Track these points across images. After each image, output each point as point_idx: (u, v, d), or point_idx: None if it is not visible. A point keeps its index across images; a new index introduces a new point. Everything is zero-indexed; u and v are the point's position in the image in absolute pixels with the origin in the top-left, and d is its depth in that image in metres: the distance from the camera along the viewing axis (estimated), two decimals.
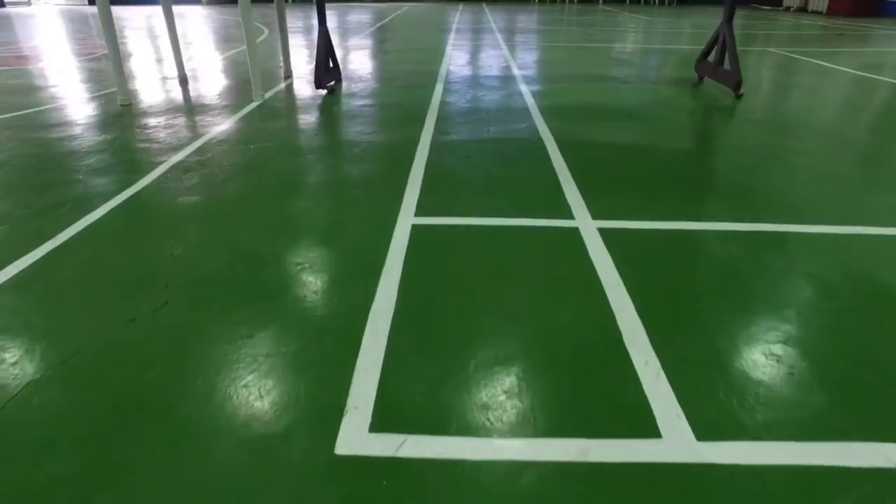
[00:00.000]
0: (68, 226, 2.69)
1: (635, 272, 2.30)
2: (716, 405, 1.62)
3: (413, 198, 3.04)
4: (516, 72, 6.96)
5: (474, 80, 6.41)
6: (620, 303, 2.09)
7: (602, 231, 2.66)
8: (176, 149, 3.93)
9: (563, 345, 1.87)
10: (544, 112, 4.94)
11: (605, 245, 2.52)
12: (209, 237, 2.60)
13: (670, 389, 1.69)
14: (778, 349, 1.85)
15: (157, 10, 19.32)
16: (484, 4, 23.19)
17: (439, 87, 5.97)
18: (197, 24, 13.70)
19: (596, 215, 2.83)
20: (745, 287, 2.20)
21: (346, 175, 3.41)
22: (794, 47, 9.57)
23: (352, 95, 5.65)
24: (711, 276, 2.29)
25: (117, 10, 18.77)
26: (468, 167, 3.53)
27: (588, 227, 2.70)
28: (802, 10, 20.53)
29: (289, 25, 13.12)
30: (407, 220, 2.77)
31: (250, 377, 1.70)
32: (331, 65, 6.04)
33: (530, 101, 5.38)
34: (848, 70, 7.30)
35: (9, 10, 19.35)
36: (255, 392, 1.65)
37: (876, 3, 18.04)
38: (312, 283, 2.22)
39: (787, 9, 21.10)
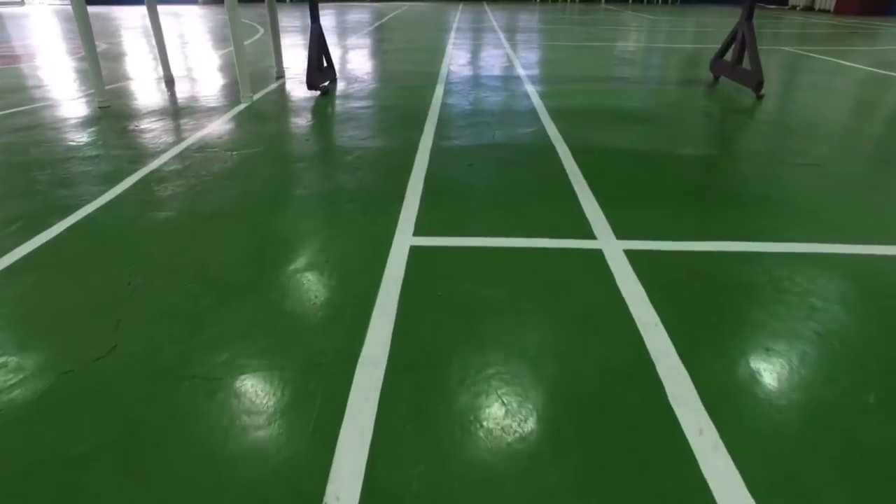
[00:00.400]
0: (12, 249, 2.34)
1: (674, 307, 1.94)
2: (794, 488, 1.26)
3: (411, 213, 2.68)
4: (521, 72, 6.60)
5: (477, 81, 6.06)
6: (660, 348, 1.74)
7: (629, 253, 2.31)
8: (152, 155, 3.58)
9: (593, 407, 1.51)
10: (553, 114, 4.59)
11: (634, 271, 2.17)
12: (176, 262, 2.25)
13: (733, 468, 1.33)
14: (870, 421, 1.50)
15: (164, 10, 18.96)
16: (485, 4, 22.85)
17: (440, 88, 5.62)
18: (192, 24, 13.36)
19: (620, 234, 2.48)
20: (803, 326, 1.85)
21: (336, 186, 3.06)
22: (807, 45, 9.22)
23: (347, 97, 5.30)
24: (763, 313, 1.93)
25: (114, 10, 18.44)
26: (473, 177, 3.18)
27: (613, 249, 2.35)
28: (809, 8, 20.18)
29: (286, 25, 12.79)
30: (404, 240, 2.42)
31: (203, 454, 1.35)
32: (324, 64, 5.69)
33: (537, 102, 5.03)
34: (868, 68, 6.95)
35: (1, 10, 19.00)
36: (211, 475, 1.29)
37: (884, 2, 17.70)
38: (291, 322, 1.87)
39: (794, 8, 20.74)
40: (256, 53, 8.16)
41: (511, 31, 11.54)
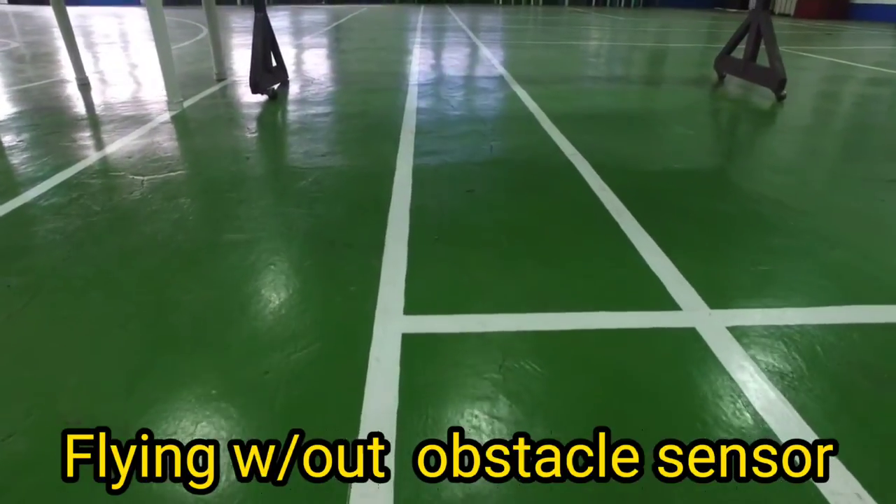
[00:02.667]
0: None
1: (857, 442, 1.12)
2: None
3: (397, 275, 1.79)
4: (503, 71, 5.79)
5: (455, 81, 5.20)
6: None
7: (737, 333, 1.49)
8: (29, 183, 2.58)
9: None
10: (556, 120, 3.77)
11: (758, 368, 1.34)
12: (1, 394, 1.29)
13: None
14: None
15: (105, 11, 17.45)
16: (447, 6, 22.12)
17: (412, 91, 4.74)
18: (133, 24, 12.07)
19: (713, 297, 1.66)
20: None
21: (284, 229, 2.13)
22: (796, 46, 8.75)
23: (301, 102, 4.35)
24: None
25: (46, 10, 16.83)
26: (476, 210, 2.31)
27: (711, 327, 1.52)
28: (769, 12, 20.21)
29: (237, 25, 11.67)
30: (391, 325, 1.53)
31: None
32: (273, 63, 4.73)
33: (532, 105, 4.20)
34: (873, 67, 6.43)
35: None
36: None
37: (843, 6, 17.84)
38: None
39: None
40: (198, 54, 7.10)
41: (481, 31, 10.76)
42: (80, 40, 8.46)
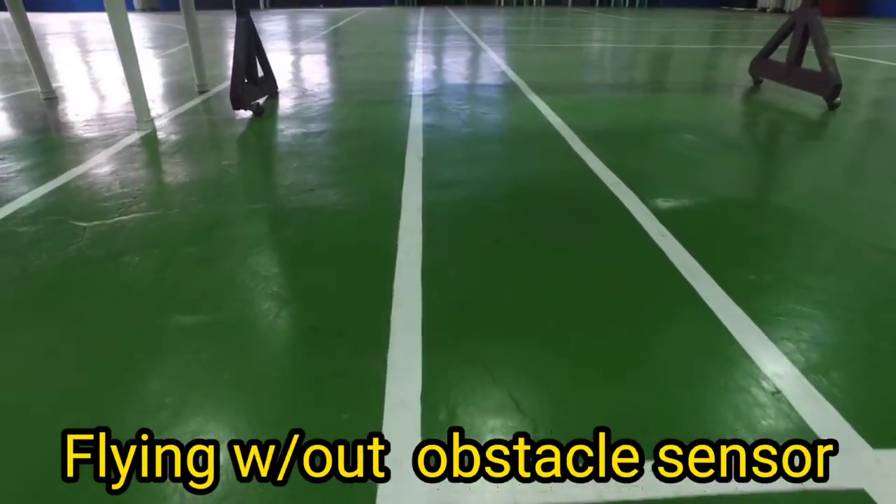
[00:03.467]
0: None
1: None
2: None
3: (409, 391, 1.25)
4: (514, 78, 5.25)
5: (464, 91, 4.67)
6: None
7: None
8: None
9: None
10: (586, 138, 3.23)
11: None
12: None
13: None
14: None
15: (90, 17, 16.95)
16: (447, 8, 21.61)
17: (417, 103, 4.21)
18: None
19: (869, 428, 1.12)
20: None
21: (250, 309, 1.60)
22: None
23: (290, 118, 3.82)
24: None
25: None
26: (508, 273, 1.77)
27: (890, 489, 0.98)
28: (779, 10, 19.69)
29: (232, 30, 11.15)
30: (404, 499, 0.98)
31: None
32: (260, 74, 4.20)
33: (555, 120, 3.67)
34: None
35: None
36: None
37: (859, 2, 17.31)
38: None
39: (763, 10, 20.25)
40: (186, 62, 6.58)
41: (485, 34, 10.23)
42: (62, 48, 7.96)
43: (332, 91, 4.74)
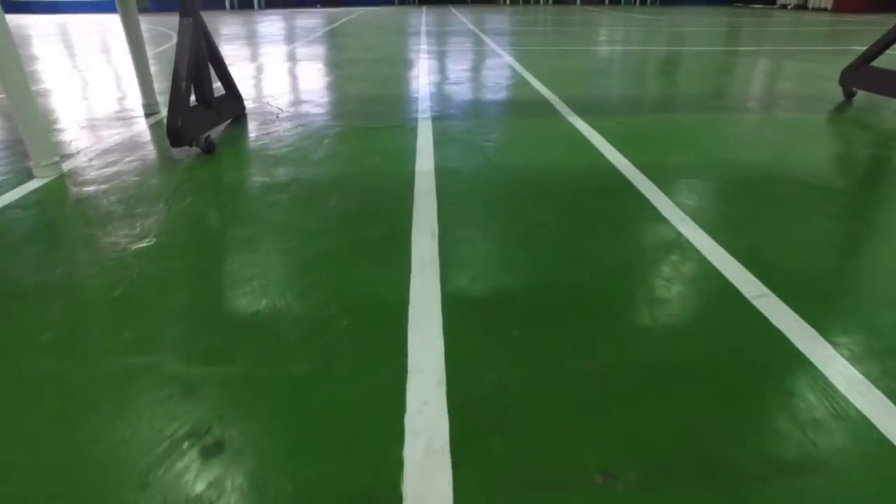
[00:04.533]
0: None
1: None
2: None
3: None
4: (543, 91, 4.23)
5: (484, 111, 3.65)
6: None
7: None
8: None
9: None
10: (673, 191, 2.21)
11: None
12: None
13: None
14: None
15: (83, 18, 15.98)
16: (450, 6, 20.57)
17: (425, 130, 3.19)
18: (107, 33, 10.55)
19: None
20: None
21: None
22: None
23: (253, 157, 2.80)
24: None
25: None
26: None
27: None
28: (802, 7, 18.63)
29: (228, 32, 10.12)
30: None
31: None
32: (210, 94, 3.17)
33: (618, 158, 2.64)
34: None
35: None
36: None
37: None
38: None
39: (784, 6, 19.19)
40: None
41: (497, 35, 9.19)
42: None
43: (317, 111, 3.72)
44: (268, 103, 3.99)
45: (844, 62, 4.24)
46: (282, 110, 3.73)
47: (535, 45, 7.65)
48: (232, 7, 21.15)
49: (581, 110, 3.61)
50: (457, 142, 2.95)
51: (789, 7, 18.86)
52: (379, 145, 2.91)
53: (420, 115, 3.55)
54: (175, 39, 7.05)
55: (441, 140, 2.97)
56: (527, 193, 2.24)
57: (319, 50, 7.25)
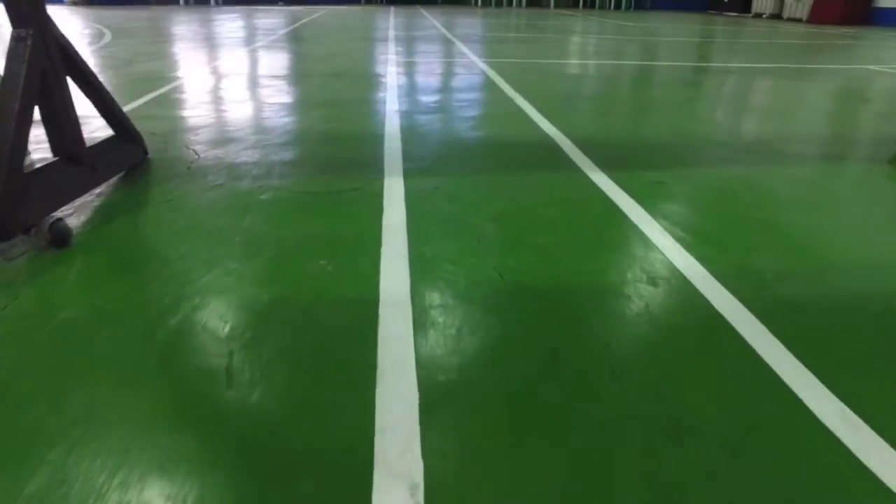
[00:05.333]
0: None
1: None
2: None
3: None
4: (549, 128, 3.33)
5: (476, 161, 2.72)
6: None
7: None
8: None
9: None
10: (770, 320, 1.32)
11: None
12: None
13: None
14: None
15: None
16: (419, 7, 19.59)
17: (394, 195, 2.25)
18: None
19: None
20: None
21: None
22: (857, 58, 6.52)
23: (132, 257, 1.80)
24: None
25: None
26: None
27: None
28: (776, 17, 18.38)
29: (182, 31, 8.91)
30: None
31: None
32: (84, 142, 2.15)
33: (682, 259, 1.75)
34: None
35: None
36: None
37: (864, 10, 16.07)
38: None
39: (759, 16, 18.93)
40: None
41: (474, 43, 8.28)
42: None
43: (247, 157, 2.72)
44: (185, 141, 2.97)
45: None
46: (197, 156, 2.72)
47: (520, 56, 6.77)
48: (186, 2, 19.69)
49: (601, 160, 2.72)
50: (442, 224, 2.01)
51: (764, 16, 18.61)
52: (326, 229, 1.94)
53: (387, 167, 2.60)
54: (109, 36, 5.94)
55: (418, 220, 2.03)
56: (543, 297, 1.32)
57: (268, 60, 6.19)
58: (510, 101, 4.10)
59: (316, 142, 3.01)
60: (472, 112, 3.78)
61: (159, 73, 4.93)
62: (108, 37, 8.03)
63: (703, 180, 2.51)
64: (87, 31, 8.80)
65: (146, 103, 3.80)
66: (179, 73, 4.98)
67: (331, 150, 2.87)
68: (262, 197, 2.21)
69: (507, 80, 4.92)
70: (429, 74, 5.30)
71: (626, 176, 2.50)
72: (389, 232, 1.91)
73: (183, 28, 9.85)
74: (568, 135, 3.17)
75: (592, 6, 22.17)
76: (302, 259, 1.73)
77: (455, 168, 2.61)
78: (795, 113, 3.98)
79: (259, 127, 3.28)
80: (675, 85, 5.03)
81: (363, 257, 1.73)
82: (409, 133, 3.18)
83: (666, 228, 1.97)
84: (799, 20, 17.17)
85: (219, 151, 2.78)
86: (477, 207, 2.14)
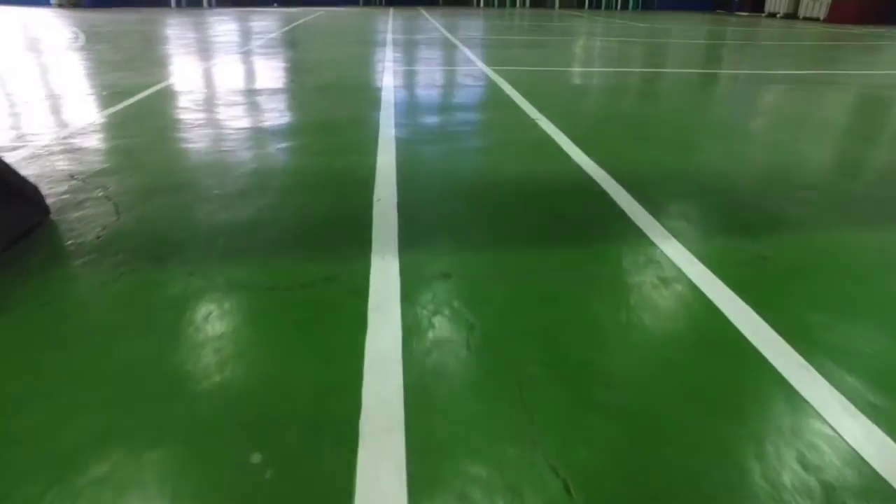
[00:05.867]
0: None
1: None
2: None
3: None
4: (589, 164, 2.59)
5: (503, 227, 1.99)
6: None
7: None
8: None
9: None
10: None
11: None
12: None
13: None
14: None
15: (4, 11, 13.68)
16: (420, 8, 18.86)
17: (385, 280, 1.51)
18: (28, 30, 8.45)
19: None
20: None
21: None
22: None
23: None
24: None
25: None
26: None
27: None
28: (791, 16, 17.63)
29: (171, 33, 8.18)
30: None
31: None
32: None
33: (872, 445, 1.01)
34: None
35: None
36: None
37: (884, 8, 15.32)
38: None
39: (772, 15, 18.18)
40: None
41: (480, 47, 7.54)
42: None
43: (173, 222, 1.99)
44: (110, 189, 2.23)
45: None
46: (118, 215, 1.98)
47: (533, 63, 6.03)
48: (178, 4, 18.94)
49: (666, 214, 1.99)
50: (462, 363, 1.27)
51: (779, 16, 17.86)
52: (272, 381, 1.21)
53: (377, 233, 1.86)
54: (82, 40, 5.28)
55: (423, 354, 1.29)
56: None
57: (247, 69, 5.46)
58: (532, 123, 3.36)
59: (284, 190, 2.27)
60: (488, 140, 3.04)
61: (118, 88, 4.20)
62: (80, 41, 7.31)
63: (795, 244, 1.77)
64: (62, 36, 8.06)
65: (83, 128, 3.08)
66: (142, 87, 4.25)
67: (303, 202, 2.14)
68: (188, 302, 1.47)
69: (524, 93, 4.18)
70: (432, 87, 4.56)
71: (710, 249, 1.76)
72: (375, 377, 1.18)
73: (166, 32, 9.13)
74: (614, 174, 2.43)
75: (598, 7, 21.43)
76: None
77: (474, 234, 1.88)
78: None
79: (214, 166, 2.54)
80: (724, 99, 4.30)
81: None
82: (409, 174, 2.45)
83: (841, 390, 1.22)
84: (816, 19, 16.42)
85: (148, 207, 2.04)
86: (513, 318, 1.41)
